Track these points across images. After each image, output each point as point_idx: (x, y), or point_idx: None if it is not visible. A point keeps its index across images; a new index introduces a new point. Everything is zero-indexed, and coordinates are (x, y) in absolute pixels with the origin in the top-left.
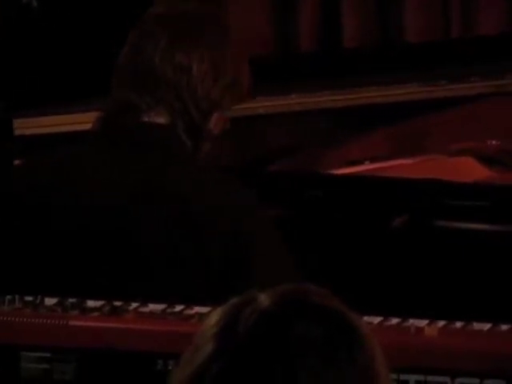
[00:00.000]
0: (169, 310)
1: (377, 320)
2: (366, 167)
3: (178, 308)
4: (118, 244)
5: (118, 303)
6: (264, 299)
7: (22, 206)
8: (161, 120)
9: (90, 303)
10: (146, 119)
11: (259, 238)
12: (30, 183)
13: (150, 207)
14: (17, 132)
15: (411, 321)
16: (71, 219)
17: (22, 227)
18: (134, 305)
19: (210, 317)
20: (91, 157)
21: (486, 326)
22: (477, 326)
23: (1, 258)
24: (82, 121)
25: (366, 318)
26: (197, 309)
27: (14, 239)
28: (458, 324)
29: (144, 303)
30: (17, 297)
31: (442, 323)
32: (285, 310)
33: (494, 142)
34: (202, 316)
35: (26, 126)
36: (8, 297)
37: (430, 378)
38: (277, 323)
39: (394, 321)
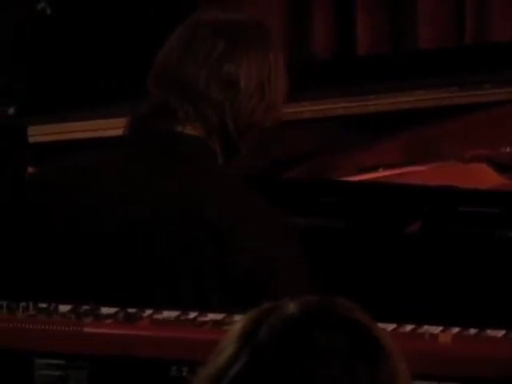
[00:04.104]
0: (183, 317)
1: (391, 327)
2: (380, 174)
3: (192, 315)
4: (142, 253)
5: (132, 310)
6: (291, 307)
7: (41, 212)
8: (195, 133)
9: (104, 310)
10: (180, 129)
11: (282, 252)
12: (53, 189)
13: (170, 220)
14: (31, 139)
15: (425, 327)
16: (92, 226)
17: (40, 234)
18: (148, 312)
19: (239, 321)
20: (121, 163)
21: (500, 333)
22: (491, 332)
23: (16, 265)
24: (97, 128)
25: (380, 325)
26: (211, 316)
27: (31, 246)
28: (472, 331)
29: (158, 310)
30: (31, 304)
31: (455, 330)
32: (309, 319)
33: (508, 149)
34: (215, 323)
35: (41, 133)
36: (22, 304)
37: None
38: (300, 331)
39: (408, 327)
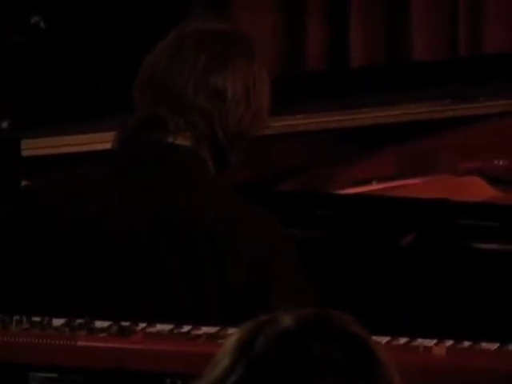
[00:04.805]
0: (176, 331)
1: (385, 339)
2: (374, 187)
3: (186, 328)
4: (140, 262)
5: (125, 323)
6: (286, 320)
7: (35, 226)
8: (186, 143)
9: (98, 323)
10: (171, 140)
11: (279, 263)
12: (46, 202)
13: (168, 229)
14: (25, 153)
15: (419, 340)
16: (87, 239)
17: (34, 248)
18: (142, 325)
19: (234, 333)
20: (111, 175)
21: (494, 346)
22: (485, 345)
23: (10, 278)
24: (89, 141)
25: (374, 338)
26: (204, 329)
27: (25, 260)
28: (466, 343)
29: (151, 323)
30: (24, 317)
31: (450, 343)
32: (305, 331)
33: (501, 162)
34: (209, 336)
35: (34, 147)
36: (16, 317)
37: None
38: (296, 342)
39: (402, 340)
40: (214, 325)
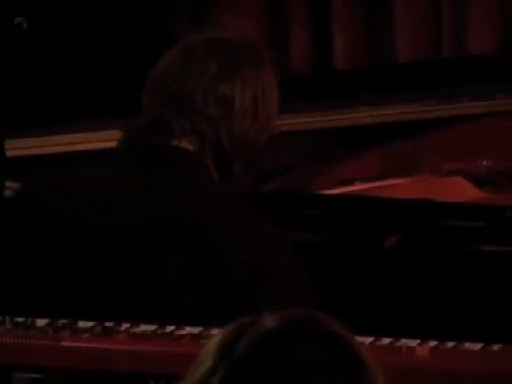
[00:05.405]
0: (160, 331)
1: (368, 340)
2: (358, 187)
3: (170, 328)
4: (140, 264)
5: (109, 324)
6: (269, 321)
7: (32, 225)
8: (190, 147)
9: (81, 324)
10: (176, 143)
11: (281, 266)
12: (42, 202)
13: (170, 231)
14: (9, 153)
15: (403, 341)
16: (85, 239)
17: (21, 248)
18: (125, 325)
19: (217, 334)
20: (114, 175)
21: (478, 346)
22: (468, 345)
23: (12, 278)
24: (73, 142)
25: (357, 338)
26: (188, 329)
27: (9, 261)
28: (450, 344)
29: (135, 324)
30: (7, 318)
31: (433, 343)
32: (288, 332)
33: (485, 163)
34: (193, 336)
35: (18, 147)
36: None
37: None
38: (279, 343)
39: (386, 341)
40: (214, 326)
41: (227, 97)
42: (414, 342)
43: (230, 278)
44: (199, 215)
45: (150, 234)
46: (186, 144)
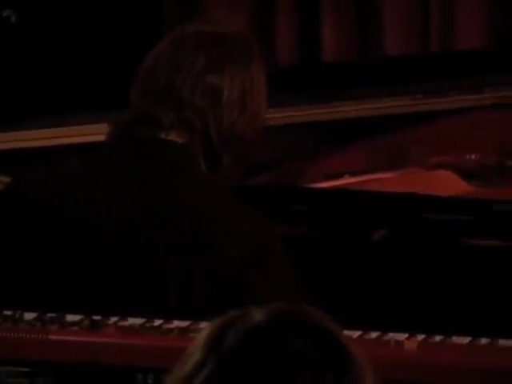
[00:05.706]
0: (148, 325)
1: (356, 334)
2: (346, 181)
3: (158, 322)
4: (130, 257)
5: (97, 317)
6: (258, 314)
7: (14, 219)
8: (178, 139)
9: (70, 317)
10: (164, 136)
11: (273, 262)
12: (32, 195)
13: (163, 225)
14: None
15: (391, 334)
16: (71, 233)
17: (11, 242)
18: (114, 319)
19: (205, 328)
20: (105, 168)
21: (466, 340)
22: (456, 339)
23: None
24: (59, 135)
25: (345, 332)
26: (176, 323)
27: (3, 253)
28: (438, 338)
29: (124, 317)
30: None
31: (421, 337)
32: (276, 326)
33: (473, 157)
34: (181, 330)
35: (4, 141)
36: None
37: None
38: (266, 338)
39: (374, 334)
40: (203, 320)
41: (215, 87)
42: (402, 336)
43: (220, 272)
44: (193, 209)
45: (142, 227)
46: (175, 137)
